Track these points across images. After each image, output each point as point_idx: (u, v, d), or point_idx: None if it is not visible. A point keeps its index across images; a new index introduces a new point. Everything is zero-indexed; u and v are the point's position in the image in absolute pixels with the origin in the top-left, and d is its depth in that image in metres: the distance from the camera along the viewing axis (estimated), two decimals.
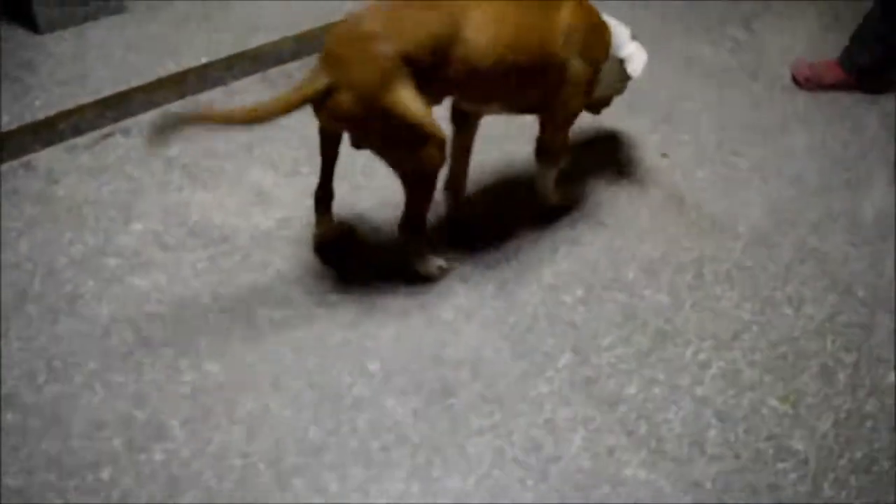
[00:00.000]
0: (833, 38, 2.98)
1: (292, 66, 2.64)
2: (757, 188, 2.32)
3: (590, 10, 1.90)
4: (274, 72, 2.62)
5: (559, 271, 2.02)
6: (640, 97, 2.60)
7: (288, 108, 1.64)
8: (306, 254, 2.03)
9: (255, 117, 1.67)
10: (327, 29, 1.84)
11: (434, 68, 1.65)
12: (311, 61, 2.63)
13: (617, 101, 2.38)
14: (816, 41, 2.97)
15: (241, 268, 2.00)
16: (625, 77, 2.03)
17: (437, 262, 1.95)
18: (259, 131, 2.37)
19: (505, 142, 2.33)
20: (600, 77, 1.95)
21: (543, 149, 2.00)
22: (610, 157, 2.37)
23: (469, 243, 2.06)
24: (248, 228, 2.10)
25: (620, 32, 1.97)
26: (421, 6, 1.65)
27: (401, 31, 1.60)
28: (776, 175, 2.37)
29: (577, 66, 1.85)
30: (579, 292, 1.97)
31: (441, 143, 1.72)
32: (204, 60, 2.49)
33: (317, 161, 1.93)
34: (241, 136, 2.36)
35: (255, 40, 2.59)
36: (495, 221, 2.15)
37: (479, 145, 2.11)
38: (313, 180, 2.21)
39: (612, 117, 2.50)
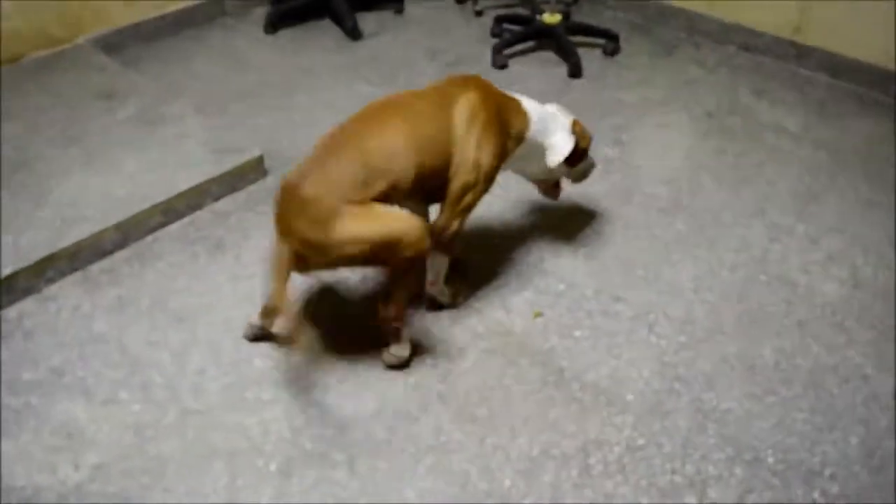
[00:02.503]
0: (710, 145, 2.84)
1: (117, 259, 2.33)
2: (643, 340, 2.08)
3: (489, 103, 1.92)
4: (95, 268, 2.30)
5: (424, 490, 1.72)
6: (508, 242, 2.39)
7: (282, 288, 1.76)
8: None
9: (283, 304, 1.77)
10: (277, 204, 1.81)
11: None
12: (137, 249, 2.37)
13: (483, 254, 2.17)
14: (694, 151, 2.81)
15: None
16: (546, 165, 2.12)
17: (407, 349, 1.96)
18: (71, 349, 2.06)
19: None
20: (518, 158, 2.06)
21: (436, 234, 1.94)
22: (477, 326, 2.11)
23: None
24: (55, 486, 1.75)
25: (551, 118, 2.07)
26: (344, 157, 1.75)
27: (334, 189, 1.71)
28: (663, 320, 2.14)
29: (471, 159, 1.88)
30: None
31: (416, 232, 1.74)
32: (9, 270, 2.16)
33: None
34: (51, 357, 2.03)
35: (72, 234, 2.28)
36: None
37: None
38: (135, 408, 1.91)
39: (478, 273, 2.27)
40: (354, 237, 1.70)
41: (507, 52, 3.29)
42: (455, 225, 1.96)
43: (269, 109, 2.98)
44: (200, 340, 2.07)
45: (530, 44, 3.40)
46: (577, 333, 2.09)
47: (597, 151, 2.77)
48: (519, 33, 3.33)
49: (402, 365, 1.97)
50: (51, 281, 2.24)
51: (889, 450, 1.83)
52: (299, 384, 1.95)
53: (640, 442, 1.83)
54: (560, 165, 2.10)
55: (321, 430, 1.84)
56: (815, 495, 1.73)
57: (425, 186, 1.85)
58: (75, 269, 2.28)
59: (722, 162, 2.75)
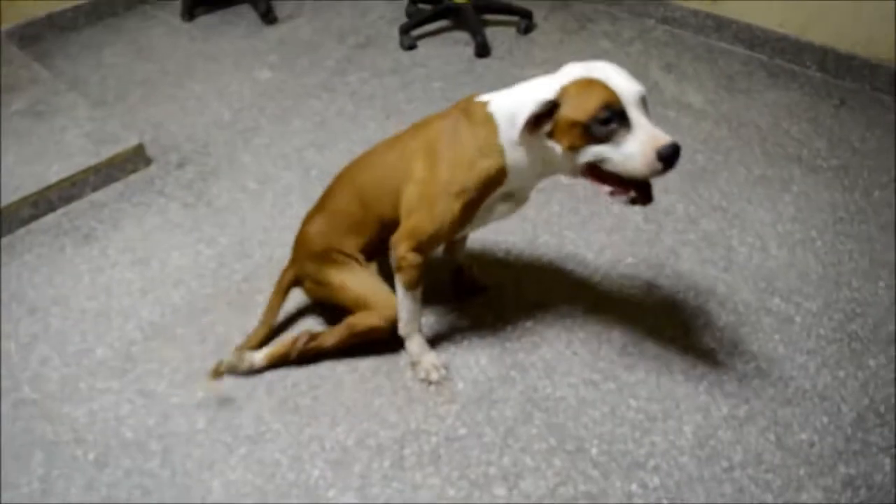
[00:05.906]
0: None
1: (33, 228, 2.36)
2: (488, 325, 2.04)
3: (458, 127, 1.59)
4: (19, 233, 2.33)
5: (231, 481, 1.71)
6: None
7: (279, 298, 1.95)
8: None
9: (269, 320, 1.94)
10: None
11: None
12: (9, 242, 2.38)
13: None
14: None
15: None
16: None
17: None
18: None
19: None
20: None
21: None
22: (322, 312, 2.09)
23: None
24: None
25: (528, 95, 1.48)
26: (342, 196, 1.83)
27: (330, 233, 1.84)
28: (512, 303, 2.09)
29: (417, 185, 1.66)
30: None
31: (384, 313, 1.82)
32: None
33: None
34: None
35: None
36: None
37: None
38: None
39: None
40: (344, 286, 1.83)
41: (416, 32, 3.23)
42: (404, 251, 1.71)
43: (164, 98, 2.97)
44: (50, 331, 2.08)
45: (442, 24, 3.33)
46: (433, 320, 2.06)
47: None
48: (427, 13, 3.26)
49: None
50: None
51: (723, 440, 1.77)
52: (134, 374, 1.95)
53: (461, 432, 1.80)
54: (559, 151, 1.48)
55: (144, 419, 1.84)
56: (633, 487, 1.68)
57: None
58: None
59: None
